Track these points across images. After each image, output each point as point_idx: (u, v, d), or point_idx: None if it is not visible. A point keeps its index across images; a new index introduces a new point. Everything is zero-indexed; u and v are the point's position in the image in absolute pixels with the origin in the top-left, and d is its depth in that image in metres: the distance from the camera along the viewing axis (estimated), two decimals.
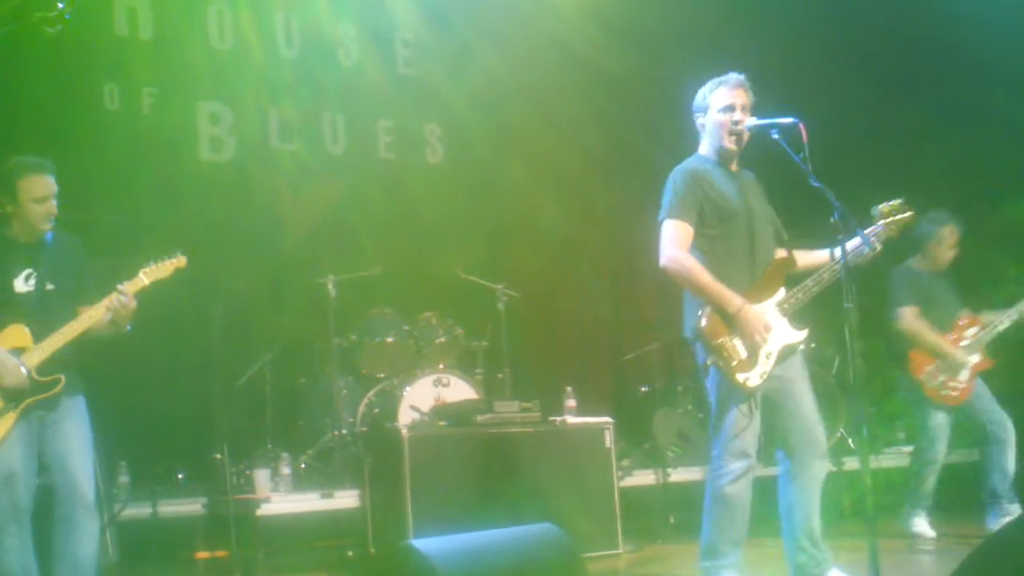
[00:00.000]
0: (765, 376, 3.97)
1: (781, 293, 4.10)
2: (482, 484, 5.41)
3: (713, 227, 4.08)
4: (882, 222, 4.19)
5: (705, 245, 4.09)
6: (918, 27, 8.30)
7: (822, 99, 7.92)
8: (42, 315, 4.08)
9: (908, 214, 4.24)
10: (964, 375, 5.77)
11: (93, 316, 4.10)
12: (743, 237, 4.09)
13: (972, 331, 5.86)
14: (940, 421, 5.79)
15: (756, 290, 4.05)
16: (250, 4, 7.78)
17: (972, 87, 8.11)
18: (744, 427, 3.98)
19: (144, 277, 4.22)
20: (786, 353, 4.06)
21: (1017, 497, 5.80)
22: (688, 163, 4.20)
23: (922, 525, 5.81)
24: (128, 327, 4.20)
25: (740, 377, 3.93)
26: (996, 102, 7.78)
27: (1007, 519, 5.65)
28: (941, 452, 5.81)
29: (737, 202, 4.10)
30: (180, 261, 4.31)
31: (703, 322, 3.97)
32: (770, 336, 3.97)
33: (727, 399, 4.02)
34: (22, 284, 4.11)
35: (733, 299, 3.95)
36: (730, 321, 3.95)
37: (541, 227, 8.32)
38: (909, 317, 5.80)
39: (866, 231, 4.13)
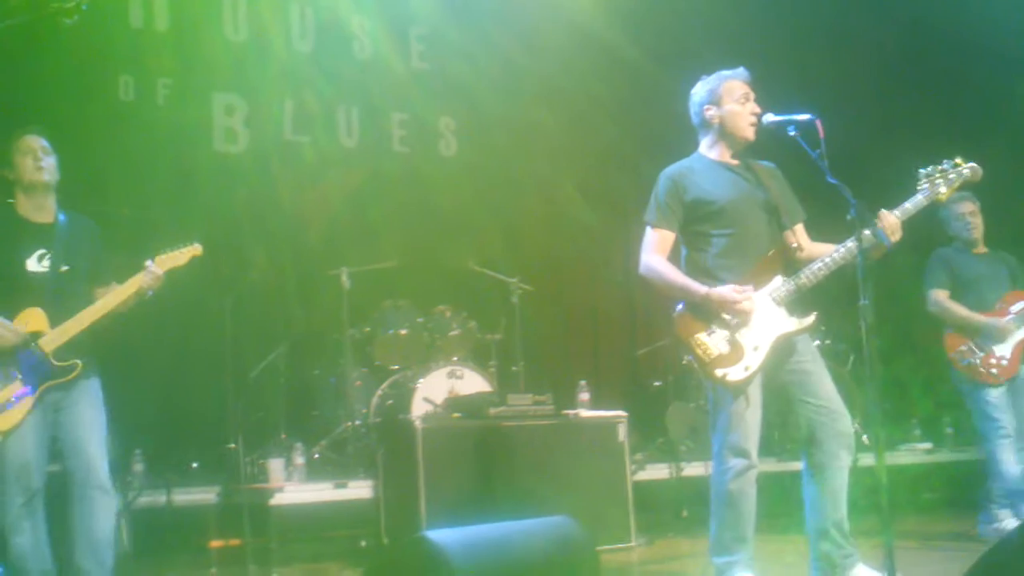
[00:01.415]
0: (751, 370, 3.89)
1: (776, 282, 3.99)
2: (495, 476, 5.41)
3: (704, 223, 4.06)
4: (927, 185, 3.99)
5: (698, 242, 4.08)
6: (933, 20, 8.24)
7: (836, 92, 7.90)
8: (57, 297, 4.07)
9: (965, 170, 4.00)
10: (1005, 350, 5.46)
11: (125, 291, 4.11)
12: (738, 230, 4.03)
13: (1018, 306, 5.54)
14: (995, 396, 5.45)
15: (746, 280, 3.97)
16: None
17: (988, 80, 8.06)
18: (737, 422, 3.92)
19: (162, 263, 4.22)
20: (784, 344, 3.97)
21: (1009, 503, 5.54)
22: (674, 166, 4.16)
23: (1008, 520, 5.46)
24: (149, 292, 4.20)
25: (718, 372, 3.89)
26: (1014, 96, 7.72)
27: (995, 525, 5.50)
28: (1010, 424, 5.43)
29: (728, 196, 4.04)
30: (196, 249, 4.30)
31: (675, 320, 3.96)
32: (751, 308, 3.91)
33: (719, 395, 3.98)
34: (35, 264, 4.10)
35: (697, 289, 3.92)
36: (704, 315, 3.92)
37: (555, 221, 8.32)
38: (937, 298, 5.61)
39: (917, 194, 3.99)
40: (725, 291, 3.90)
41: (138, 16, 7.40)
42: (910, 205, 4.01)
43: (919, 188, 4.04)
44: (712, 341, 3.91)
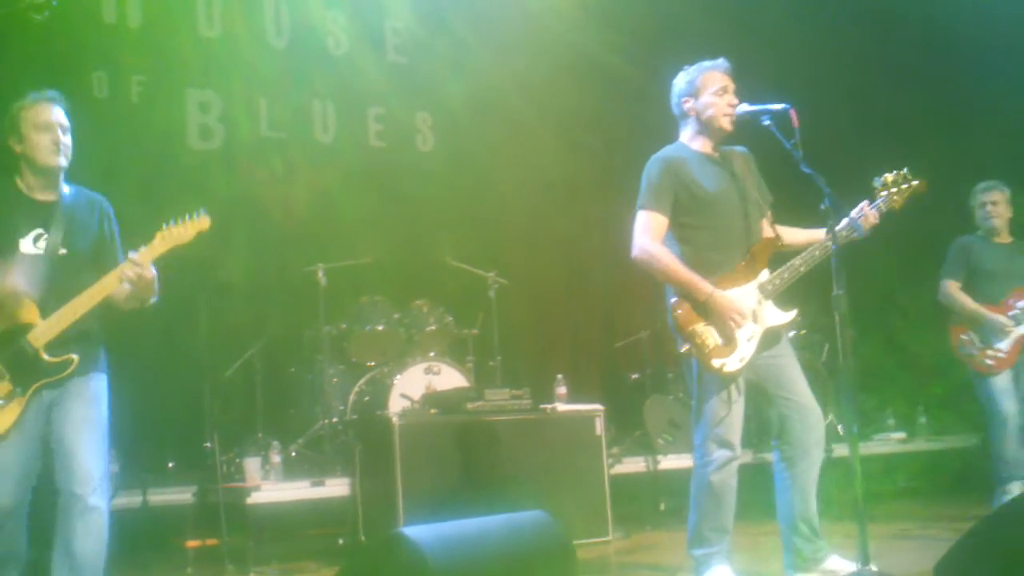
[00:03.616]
0: (745, 361, 3.94)
1: (764, 275, 4.04)
2: (472, 471, 5.42)
3: (691, 215, 4.06)
4: (885, 192, 4.12)
5: (685, 234, 4.08)
6: (907, 12, 8.29)
7: (816, 91, 7.92)
8: (53, 284, 3.63)
9: (916, 183, 4.14)
10: (1004, 344, 5.69)
11: (105, 287, 3.65)
12: (724, 223, 4.06)
13: (1023, 303, 5.74)
14: (1000, 384, 5.71)
15: (736, 273, 4.02)
16: None
17: (965, 76, 8.11)
18: (725, 414, 3.95)
19: (160, 243, 3.73)
20: (771, 336, 4.03)
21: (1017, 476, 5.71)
22: (664, 151, 4.17)
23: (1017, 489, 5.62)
24: (153, 299, 3.78)
25: (716, 363, 3.91)
26: (990, 91, 7.77)
27: (1007, 497, 5.60)
28: (1010, 410, 5.69)
29: (715, 188, 4.07)
30: (203, 222, 3.81)
31: (676, 310, 3.96)
32: (747, 319, 3.95)
33: (706, 386, 4.00)
34: (30, 246, 3.67)
35: (702, 286, 3.93)
36: (702, 309, 3.94)
37: (532, 215, 8.32)
38: (947, 289, 5.83)
39: (871, 202, 4.09)
40: (728, 301, 3.92)
41: (111, 11, 7.33)
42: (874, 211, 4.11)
43: (878, 196, 4.13)
44: (710, 332, 3.94)
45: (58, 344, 3.61)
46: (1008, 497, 5.58)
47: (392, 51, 8.44)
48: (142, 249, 3.70)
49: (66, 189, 3.82)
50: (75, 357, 3.63)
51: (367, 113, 8.27)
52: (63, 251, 3.69)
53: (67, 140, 3.76)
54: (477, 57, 8.31)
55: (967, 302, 5.78)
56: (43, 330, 3.59)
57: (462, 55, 8.28)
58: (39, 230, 3.69)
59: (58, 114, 3.75)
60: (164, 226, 3.76)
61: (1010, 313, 5.72)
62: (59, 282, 3.65)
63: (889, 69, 8.68)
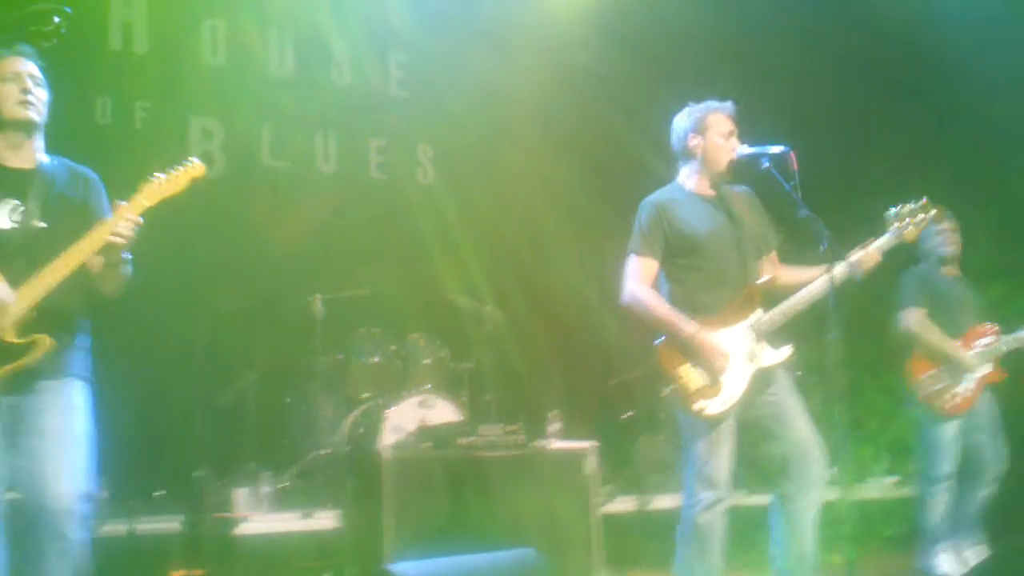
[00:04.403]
0: (728, 405, 3.93)
1: (757, 314, 4.04)
2: (464, 507, 5.38)
3: (683, 256, 4.09)
4: (896, 225, 4.04)
5: (677, 274, 4.11)
6: (910, 36, 8.32)
7: (814, 107, 7.97)
8: (29, 260, 3.21)
9: (932, 212, 4.05)
10: (968, 383, 5.38)
11: (82, 250, 3.21)
12: (716, 264, 4.07)
13: (985, 340, 5.47)
14: (948, 435, 5.37)
15: (728, 314, 4.01)
16: (244, 21, 7.80)
17: (966, 95, 8.11)
18: (712, 455, 3.94)
19: (145, 196, 3.36)
20: (764, 376, 4.01)
21: (968, 538, 5.46)
22: (656, 194, 4.20)
23: (948, 563, 5.38)
24: (127, 267, 3.39)
25: (697, 406, 3.91)
26: (993, 109, 7.78)
27: (933, 560, 5.40)
28: (951, 469, 5.37)
29: (706, 229, 4.08)
30: (197, 168, 3.48)
31: (660, 351, 3.97)
32: (731, 361, 3.94)
33: (692, 427, 4.00)
34: (4, 219, 3.28)
35: (686, 327, 3.93)
36: (686, 350, 3.94)
37: (530, 250, 8.34)
38: (911, 318, 5.44)
39: (886, 234, 4.05)
40: (710, 341, 3.91)
41: (117, 38, 7.39)
42: (880, 244, 4.05)
43: (888, 228, 4.06)
44: (695, 373, 3.94)
45: (28, 327, 3.17)
46: (944, 563, 5.37)
47: (395, 83, 8.50)
48: (123, 204, 3.31)
49: (46, 158, 3.47)
50: (45, 338, 3.16)
51: (369, 145, 8.31)
52: (41, 224, 3.30)
53: (40, 94, 3.41)
54: (480, 91, 8.36)
55: (933, 335, 5.41)
56: (9, 307, 3.15)
57: (465, 89, 8.33)
58: (14, 201, 3.31)
59: (28, 65, 3.41)
60: (151, 177, 3.41)
61: (974, 351, 5.44)
62: (36, 258, 3.22)
63: (891, 90, 8.68)
